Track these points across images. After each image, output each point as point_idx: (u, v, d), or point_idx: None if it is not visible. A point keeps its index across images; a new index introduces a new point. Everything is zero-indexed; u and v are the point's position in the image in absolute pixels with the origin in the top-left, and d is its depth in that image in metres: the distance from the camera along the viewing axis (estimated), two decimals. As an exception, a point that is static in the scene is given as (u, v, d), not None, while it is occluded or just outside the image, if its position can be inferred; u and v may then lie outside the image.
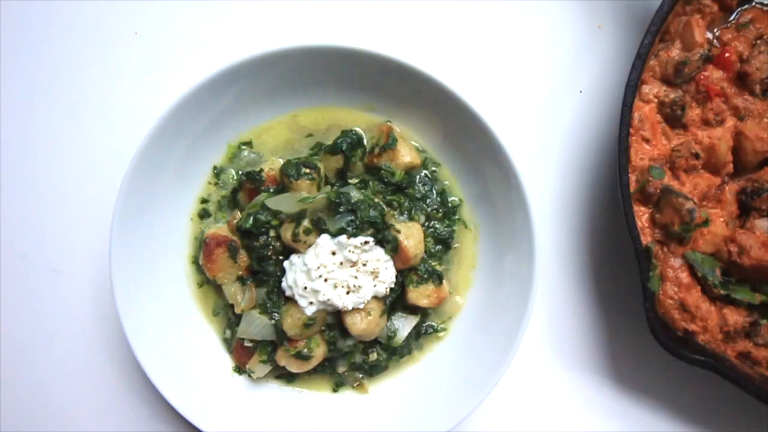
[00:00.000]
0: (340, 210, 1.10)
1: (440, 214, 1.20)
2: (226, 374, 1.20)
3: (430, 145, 1.21)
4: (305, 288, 1.09)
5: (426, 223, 1.19)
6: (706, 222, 1.07)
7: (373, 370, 1.21)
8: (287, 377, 1.21)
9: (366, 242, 1.09)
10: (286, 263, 1.12)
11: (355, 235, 1.09)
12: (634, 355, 1.23)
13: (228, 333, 1.20)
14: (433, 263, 1.18)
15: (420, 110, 1.18)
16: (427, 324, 1.21)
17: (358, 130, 1.19)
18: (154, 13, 1.28)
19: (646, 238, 1.09)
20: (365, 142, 1.19)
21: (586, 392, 1.23)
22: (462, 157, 1.18)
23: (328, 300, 1.09)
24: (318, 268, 1.08)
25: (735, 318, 1.09)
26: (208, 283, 1.20)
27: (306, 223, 1.10)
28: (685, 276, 1.09)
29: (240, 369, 1.20)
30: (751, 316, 1.10)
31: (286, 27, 1.28)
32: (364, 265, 1.10)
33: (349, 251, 1.08)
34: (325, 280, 1.09)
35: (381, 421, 1.18)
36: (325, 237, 1.09)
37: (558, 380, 1.24)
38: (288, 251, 1.14)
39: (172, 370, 1.14)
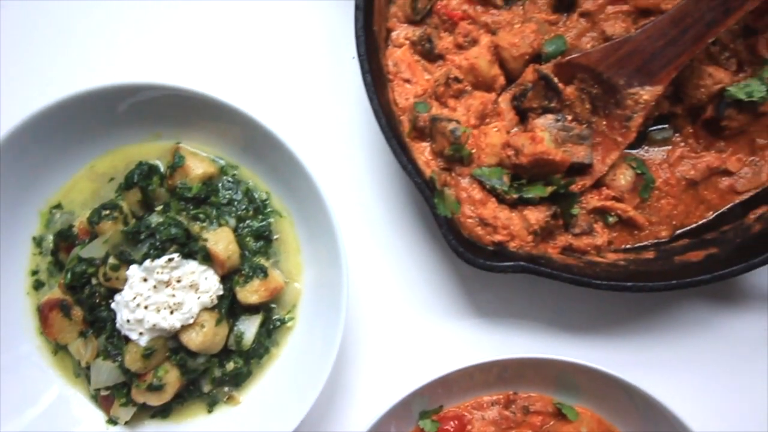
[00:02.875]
0: (141, 237, 1.14)
1: (251, 212, 1.23)
2: (101, 428, 1.22)
3: (228, 153, 1.25)
4: (128, 321, 1.12)
5: (240, 225, 1.22)
6: (467, 136, 1.10)
7: (237, 380, 1.22)
8: (161, 413, 1.23)
9: (170, 259, 1.12)
10: (113, 305, 1.15)
11: (159, 256, 1.12)
12: (477, 283, 1.26)
13: (92, 390, 1.22)
14: (259, 259, 1.21)
15: (210, 124, 1.22)
16: (274, 318, 1.23)
17: (152, 161, 1.23)
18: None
19: (430, 170, 1.13)
20: (162, 168, 1.23)
21: (438, 332, 1.25)
22: (255, 154, 1.22)
23: (155, 325, 1.11)
24: (134, 298, 1.11)
25: (536, 216, 1.12)
26: (60, 348, 1.23)
27: (111, 260, 1.13)
28: (477, 193, 1.12)
29: (112, 420, 1.22)
30: (551, 210, 1.12)
31: (51, 78, 1.31)
32: (179, 281, 1.13)
33: (158, 273, 1.12)
34: (145, 307, 1.12)
35: (259, 426, 1.19)
36: (133, 267, 1.13)
37: (413, 328, 1.26)
38: (115, 293, 1.17)
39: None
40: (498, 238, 1.11)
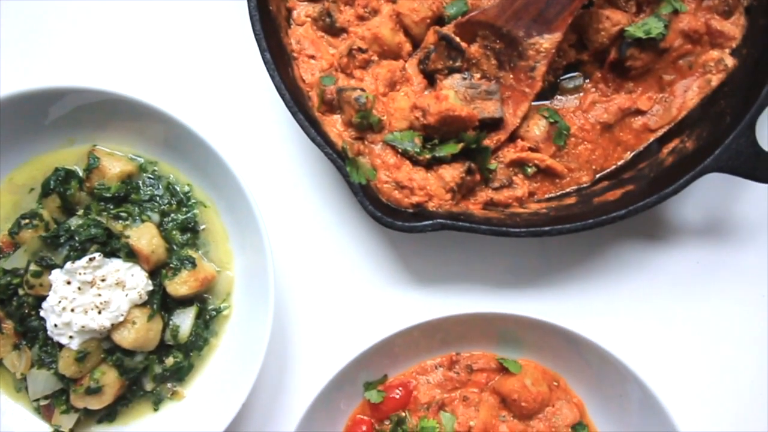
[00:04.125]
0: (61, 241, 1.14)
1: (175, 206, 1.23)
2: (46, 440, 1.21)
3: (145, 150, 1.25)
4: (56, 325, 1.11)
5: (164, 219, 1.22)
6: (372, 102, 1.11)
7: (180, 374, 1.22)
8: (107, 418, 1.21)
9: (92, 259, 1.11)
10: (42, 312, 1.14)
11: (79, 257, 1.12)
12: (409, 250, 1.26)
13: (35, 403, 1.21)
14: (187, 251, 1.21)
15: (124, 124, 1.21)
16: (210, 309, 1.23)
17: (70, 166, 1.22)
18: None
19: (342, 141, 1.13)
20: (80, 173, 1.22)
21: (375, 300, 1.26)
22: (174, 148, 1.22)
23: (84, 327, 1.10)
24: (59, 302, 1.11)
25: (451, 173, 1.12)
26: (-1, 365, 1.22)
27: (32, 267, 1.13)
28: (390, 157, 1.13)
29: (56, 430, 1.20)
30: (465, 166, 1.13)
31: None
32: (104, 280, 1.12)
33: (81, 273, 1.11)
34: (72, 310, 1.11)
35: (204, 418, 1.18)
36: (55, 271, 1.12)
37: (350, 299, 1.27)
38: (42, 301, 1.16)
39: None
40: (416, 199, 1.12)
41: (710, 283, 1.26)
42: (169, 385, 1.22)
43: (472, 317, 1.14)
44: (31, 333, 1.17)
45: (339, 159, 1.09)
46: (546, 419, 1.19)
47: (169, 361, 1.20)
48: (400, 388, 1.19)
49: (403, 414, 1.17)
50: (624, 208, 1.09)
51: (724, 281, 1.26)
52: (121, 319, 1.13)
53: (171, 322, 1.20)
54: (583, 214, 1.13)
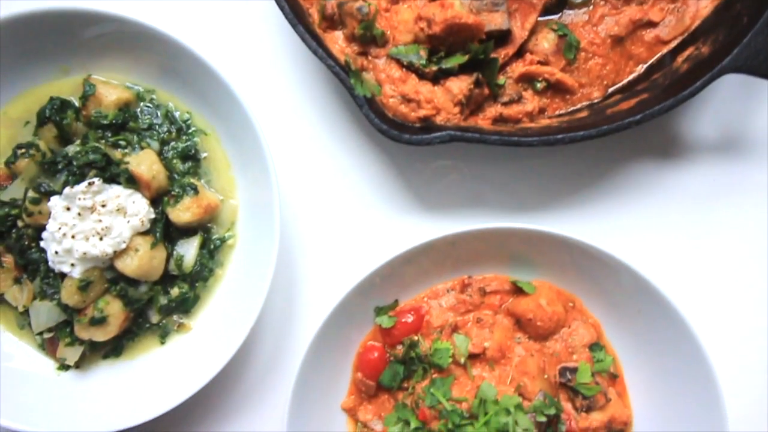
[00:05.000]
0: (59, 167, 1.10)
1: (174, 134, 1.19)
2: (51, 376, 1.18)
3: (142, 79, 1.21)
4: (56, 253, 1.08)
5: (164, 148, 1.18)
6: (375, 11, 1.07)
7: (185, 306, 1.19)
8: (113, 353, 1.19)
9: (91, 183, 1.08)
10: (42, 243, 1.11)
11: (78, 182, 1.08)
12: (416, 174, 1.23)
13: (38, 338, 1.19)
14: (189, 179, 1.17)
15: (120, 51, 1.17)
16: (214, 238, 1.20)
17: (66, 96, 1.19)
18: None
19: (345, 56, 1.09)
20: (75, 103, 1.19)
21: (383, 225, 1.23)
22: (172, 75, 1.18)
23: (85, 254, 1.08)
24: (59, 228, 1.07)
25: (459, 86, 1.09)
26: (0, 302, 1.19)
27: (30, 193, 1.09)
28: (395, 71, 1.09)
29: (63, 366, 1.18)
30: (473, 77, 1.09)
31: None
32: (104, 206, 1.09)
33: (80, 199, 1.08)
34: (72, 236, 1.08)
35: (211, 350, 1.16)
36: (54, 198, 1.09)
37: (357, 225, 1.24)
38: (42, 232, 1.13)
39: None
40: (423, 112, 1.08)
41: (726, 200, 1.23)
42: (175, 317, 1.20)
43: (482, 234, 1.10)
44: (32, 265, 1.14)
45: (342, 72, 1.06)
46: (562, 340, 1.16)
47: (174, 291, 1.17)
48: (412, 313, 1.16)
49: (416, 338, 1.15)
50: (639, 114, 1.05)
51: (739, 198, 1.23)
52: (124, 246, 1.10)
53: (175, 252, 1.17)
54: (597, 123, 1.09)
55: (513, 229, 1.10)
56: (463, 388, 1.11)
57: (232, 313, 1.17)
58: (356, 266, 1.21)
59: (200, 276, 1.19)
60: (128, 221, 1.10)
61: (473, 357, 1.13)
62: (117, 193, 1.10)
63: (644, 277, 1.07)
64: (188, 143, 1.19)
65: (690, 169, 1.23)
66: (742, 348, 1.20)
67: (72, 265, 1.09)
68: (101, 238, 1.08)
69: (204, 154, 1.20)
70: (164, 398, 1.12)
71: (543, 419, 1.04)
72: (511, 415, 1.02)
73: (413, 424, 1.08)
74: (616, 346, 1.18)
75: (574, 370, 1.12)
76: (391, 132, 1.04)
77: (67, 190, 1.08)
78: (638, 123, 1.05)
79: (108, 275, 1.12)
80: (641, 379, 1.16)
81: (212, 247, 1.19)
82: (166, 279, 1.17)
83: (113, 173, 1.11)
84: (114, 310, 1.12)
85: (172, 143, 1.19)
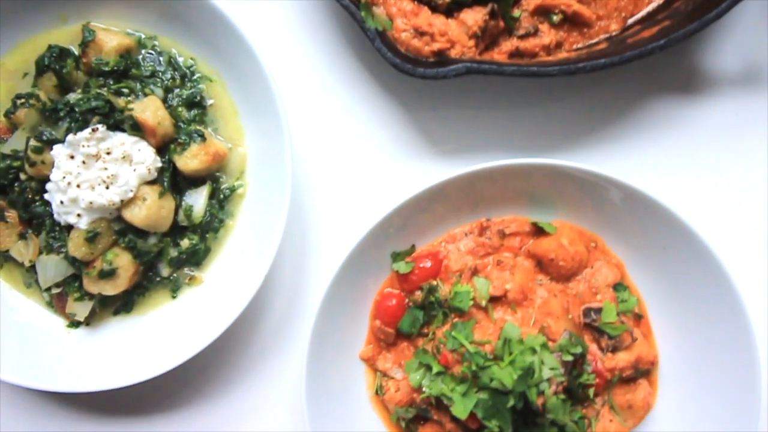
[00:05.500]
0: (61, 115, 1.07)
1: (178, 81, 1.15)
2: (61, 333, 1.15)
3: (142, 25, 1.17)
4: (62, 203, 1.04)
5: (169, 95, 1.14)
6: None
7: (196, 258, 1.15)
8: (124, 308, 1.16)
9: (94, 129, 1.04)
10: (46, 195, 1.08)
11: (81, 129, 1.05)
12: (430, 118, 1.19)
13: (46, 296, 1.15)
14: (196, 127, 1.14)
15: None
16: (224, 188, 1.16)
17: (65, 45, 1.14)
18: None
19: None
20: (75, 51, 1.14)
21: (396, 170, 1.19)
22: (174, 20, 1.14)
23: (91, 203, 1.04)
24: (64, 177, 1.04)
25: (473, 17, 1.04)
26: (6, 259, 1.15)
27: (32, 142, 1.06)
28: (407, 4, 1.05)
29: (72, 323, 1.15)
30: (488, 7, 1.05)
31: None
32: (109, 153, 1.05)
33: (84, 146, 1.04)
34: (78, 185, 1.04)
35: (224, 303, 1.12)
36: (57, 146, 1.05)
37: (370, 169, 1.20)
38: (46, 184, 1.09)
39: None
40: (437, 46, 1.04)
41: (749, 132, 1.19)
42: (186, 270, 1.16)
43: (500, 172, 1.06)
44: (37, 219, 1.11)
45: (352, 5, 1.01)
46: (585, 280, 1.13)
47: (185, 243, 1.14)
48: (429, 258, 1.13)
49: (435, 282, 1.11)
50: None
51: (764, 130, 1.19)
52: (131, 194, 1.06)
53: (184, 203, 1.13)
54: (618, 51, 1.05)
55: (532, 164, 1.06)
56: (485, 332, 1.07)
57: (245, 265, 1.14)
58: (370, 211, 1.17)
59: (210, 227, 1.15)
60: (134, 169, 1.07)
61: (494, 300, 1.10)
62: (122, 141, 1.06)
63: (670, 210, 1.04)
64: (193, 90, 1.15)
65: (712, 103, 1.19)
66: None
67: (78, 215, 1.05)
68: (107, 187, 1.05)
69: (210, 101, 1.16)
70: (177, 352, 1.09)
71: (569, 358, 1.01)
72: (537, 354, 0.99)
73: (435, 369, 1.05)
74: (640, 286, 1.15)
75: (598, 310, 1.09)
76: (405, 66, 1.00)
77: (70, 137, 1.04)
78: (662, 48, 1.01)
79: (116, 227, 1.09)
80: (667, 320, 1.13)
81: (222, 197, 1.16)
82: (176, 230, 1.14)
83: (117, 120, 1.07)
84: (123, 262, 1.09)
85: (177, 90, 1.15)
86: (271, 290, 1.20)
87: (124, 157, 1.06)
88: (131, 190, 1.06)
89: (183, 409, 1.21)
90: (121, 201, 1.06)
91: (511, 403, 0.96)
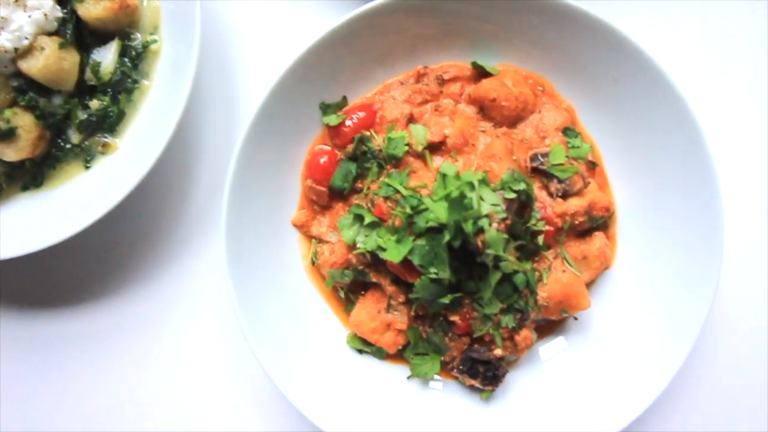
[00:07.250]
0: (-58, -46, 0.97)
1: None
2: (-34, 211, 1.05)
3: None
4: (-53, 49, 0.95)
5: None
6: None
7: (109, 122, 1.06)
8: (33, 183, 1.07)
9: (-22, -35, 0.95)
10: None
11: (-37, -34, 0.95)
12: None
13: None
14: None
15: None
16: (136, 44, 1.06)
17: None
18: None
19: None
20: None
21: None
22: None
23: (-21, 49, 0.94)
24: (-52, 19, 0.94)
25: None
26: None
27: None
28: None
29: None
30: None
31: None
32: (-2, -5, 0.96)
33: (-33, -15, 0.94)
34: (-37, 29, 0.95)
35: (142, 169, 1.03)
36: (-62, -12, 0.95)
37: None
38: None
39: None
40: None
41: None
42: (98, 137, 1.07)
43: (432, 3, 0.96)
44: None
45: None
46: (532, 125, 1.03)
47: (94, 104, 1.04)
48: (363, 109, 1.03)
49: (368, 132, 1.02)
50: None
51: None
52: (26, 42, 0.97)
53: (91, 60, 1.04)
54: None
55: (466, -10, 0.96)
56: (422, 181, 0.98)
57: (161, 128, 1.04)
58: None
59: (123, 87, 1.06)
60: (29, 15, 0.97)
61: (434, 149, 1.00)
62: (14, -18, 0.97)
63: (619, 31, 0.94)
64: (97, -63, 1.05)
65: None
66: (736, 114, 1.07)
67: (-33, 65, 0.96)
68: (-2, 31, 0.95)
69: (116, -52, 1.06)
70: (88, 213, 1.00)
71: (512, 195, 0.91)
72: (476, 191, 0.89)
73: (368, 219, 0.95)
74: (593, 134, 1.05)
75: (546, 154, 0.99)
76: None
77: (-49, -26, 0.94)
78: None
79: (14, 83, 0.99)
80: (624, 167, 1.04)
81: (134, 54, 1.06)
82: (84, 91, 1.04)
83: (6, -41, 0.98)
84: (24, 122, 0.99)
85: (80, -65, 1.05)
86: (197, 160, 1.11)
87: (16, 1, 0.96)
88: (26, 38, 0.96)
89: (117, 295, 1.12)
90: (15, 50, 0.96)
91: (446, 238, 0.87)
